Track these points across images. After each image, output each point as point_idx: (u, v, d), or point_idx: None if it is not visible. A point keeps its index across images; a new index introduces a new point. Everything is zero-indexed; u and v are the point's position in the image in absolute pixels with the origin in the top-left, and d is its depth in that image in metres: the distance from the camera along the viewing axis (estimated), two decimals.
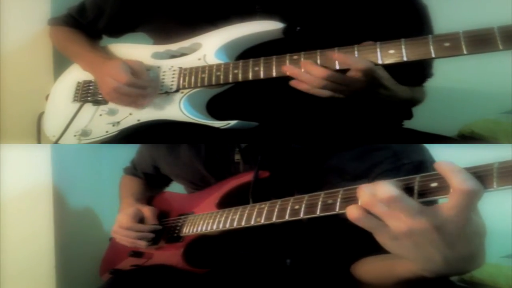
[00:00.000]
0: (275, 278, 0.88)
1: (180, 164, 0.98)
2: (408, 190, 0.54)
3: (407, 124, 0.98)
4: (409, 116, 0.98)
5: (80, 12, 1.09)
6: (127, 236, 0.94)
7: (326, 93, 0.77)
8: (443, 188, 0.52)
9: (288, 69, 0.79)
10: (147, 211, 0.96)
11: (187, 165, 0.97)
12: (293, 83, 0.78)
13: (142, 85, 0.90)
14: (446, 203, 0.51)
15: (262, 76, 0.81)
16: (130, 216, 0.94)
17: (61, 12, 1.14)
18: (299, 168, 0.86)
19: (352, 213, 0.55)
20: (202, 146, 0.94)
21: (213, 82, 0.86)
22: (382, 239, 0.56)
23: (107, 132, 0.94)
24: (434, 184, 0.53)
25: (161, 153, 1.03)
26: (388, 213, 0.53)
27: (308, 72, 0.76)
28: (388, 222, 0.53)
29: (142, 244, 0.93)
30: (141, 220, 0.96)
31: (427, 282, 0.61)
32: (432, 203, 0.53)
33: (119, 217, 0.96)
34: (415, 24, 0.90)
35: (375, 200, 0.53)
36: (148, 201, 1.05)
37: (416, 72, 0.94)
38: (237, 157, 0.91)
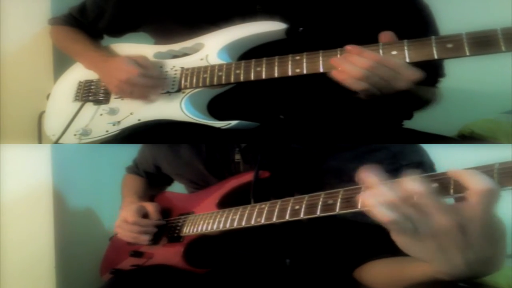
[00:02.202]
0: (275, 278, 0.88)
1: (181, 163, 0.99)
2: None
3: (407, 124, 0.98)
4: (409, 116, 0.98)
5: (81, 12, 1.09)
6: (131, 230, 0.94)
7: (362, 85, 0.73)
8: (444, 188, 0.52)
9: (335, 61, 0.76)
10: (151, 207, 0.97)
11: (188, 165, 0.97)
12: (334, 73, 0.75)
13: (155, 75, 0.91)
14: (467, 203, 0.50)
15: (264, 76, 0.81)
16: (134, 211, 0.95)
17: (61, 12, 1.14)
18: (298, 168, 0.86)
19: (383, 214, 0.52)
20: (202, 145, 0.94)
21: (215, 82, 0.86)
22: (403, 240, 0.53)
23: (107, 131, 0.94)
24: (434, 185, 0.53)
25: (162, 153, 1.03)
26: (415, 213, 0.51)
27: (351, 63, 0.74)
28: (415, 223, 0.51)
29: (145, 239, 0.93)
30: (144, 216, 0.96)
31: (426, 281, 0.61)
32: None
33: (123, 213, 0.96)
34: (419, 24, 0.90)
35: (400, 200, 0.52)
36: (149, 201, 1.05)
37: (428, 72, 0.93)
38: (237, 157, 0.91)
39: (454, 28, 0.69)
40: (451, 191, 0.52)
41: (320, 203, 0.63)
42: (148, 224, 0.94)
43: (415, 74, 0.72)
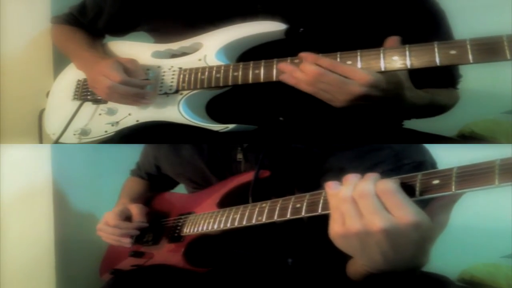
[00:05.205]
0: (277, 278, 0.88)
1: (182, 163, 0.98)
2: (409, 188, 0.55)
3: (407, 124, 0.98)
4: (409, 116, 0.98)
5: (80, 11, 1.08)
6: (112, 233, 0.94)
7: (310, 89, 0.75)
8: (445, 185, 0.53)
9: (282, 66, 0.78)
10: (134, 209, 0.96)
11: (190, 164, 0.97)
12: (282, 77, 0.78)
13: (138, 83, 0.89)
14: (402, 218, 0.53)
15: (262, 79, 0.80)
16: (116, 214, 0.94)
17: (61, 11, 1.14)
18: (300, 167, 0.86)
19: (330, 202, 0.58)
20: (205, 145, 0.94)
21: (213, 84, 0.85)
22: (333, 232, 0.57)
23: (106, 132, 0.94)
24: (436, 182, 0.54)
25: (163, 152, 1.03)
26: (350, 212, 0.55)
27: (302, 71, 0.75)
28: (346, 220, 0.55)
29: (126, 241, 0.93)
30: (128, 218, 0.96)
31: (426, 282, 0.61)
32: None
33: (106, 215, 0.96)
34: (427, 25, 0.88)
35: (348, 198, 0.55)
36: (148, 201, 1.05)
37: (442, 74, 0.91)
38: (240, 156, 0.91)
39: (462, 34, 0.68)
40: (453, 188, 0.52)
41: (321, 201, 0.63)
42: (129, 227, 0.94)
43: (367, 77, 0.71)
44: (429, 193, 0.54)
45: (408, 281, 0.62)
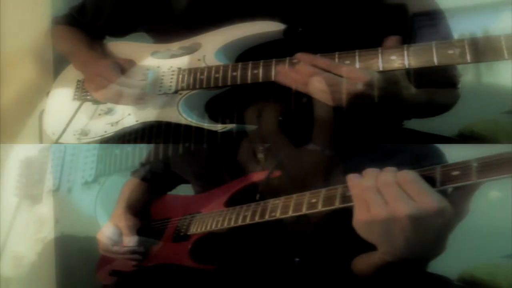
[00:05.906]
0: (283, 277, 0.88)
1: (196, 159, 0.98)
2: (430, 179, 0.56)
3: (407, 124, 0.98)
4: (409, 116, 0.98)
5: (80, 11, 1.09)
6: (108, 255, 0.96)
7: (307, 90, 0.76)
8: (466, 175, 0.54)
9: (279, 68, 0.78)
10: (125, 229, 0.97)
11: (205, 161, 0.96)
12: (279, 79, 0.78)
13: (134, 84, 0.90)
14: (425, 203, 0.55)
15: (261, 79, 0.81)
16: (105, 237, 0.97)
17: (61, 12, 1.14)
18: (314, 169, 0.85)
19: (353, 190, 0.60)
20: (226, 142, 0.94)
21: (212, 84, 0.86)
22: (358, 220, 0.59)
23: (105, 132, 0.94)
24: (455, 173, 0.55)
25: (177, 149, 1.02)
26: (375, 199, 0.57)
27: (297, 72, 0.76)
28: (371, 207, 0.57)
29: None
30: (121, 235, 0.97)
31: (425, 281, 0.62)
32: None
33: (99, 235, 0.98)
34: (422, 27, 0.88)
35: (372, 187, 0.57)
36: (148, 204, 1.05)
37: (442, 73, 0.90)
38: (260, 155, 0.91)
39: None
40: (473, 177, 0.54)
41: (338, 195, 0.64)
42: (117, 253, 0.95)
43: (364, 76, 0.71)
44: (450, 183, 0.55)
45: (420, 273, 0.63)
